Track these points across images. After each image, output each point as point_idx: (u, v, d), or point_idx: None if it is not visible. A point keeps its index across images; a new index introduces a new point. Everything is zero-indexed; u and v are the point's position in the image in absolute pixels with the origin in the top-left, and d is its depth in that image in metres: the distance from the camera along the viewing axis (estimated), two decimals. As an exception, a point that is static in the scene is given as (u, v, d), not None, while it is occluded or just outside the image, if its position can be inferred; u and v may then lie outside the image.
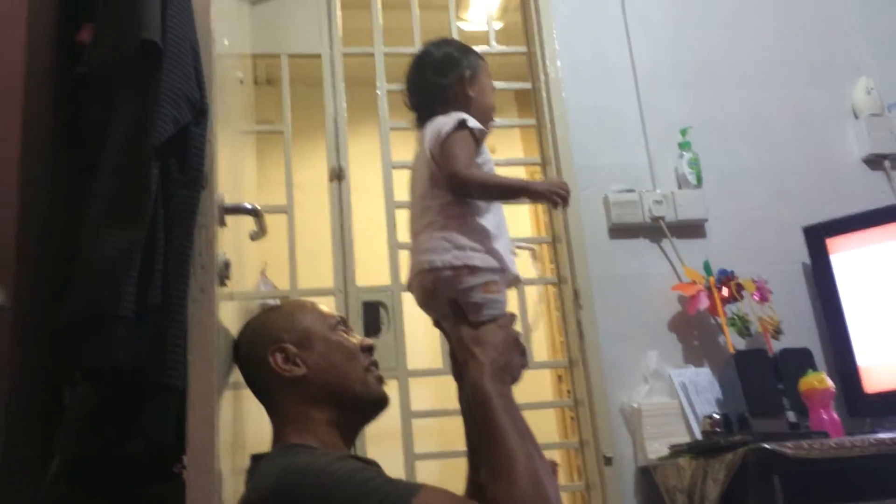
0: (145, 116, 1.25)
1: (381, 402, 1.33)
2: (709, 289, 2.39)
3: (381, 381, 1.35)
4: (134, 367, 1.23)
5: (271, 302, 2.45)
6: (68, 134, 1.50)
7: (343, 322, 1.38)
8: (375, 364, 1.36)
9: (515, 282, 1.48)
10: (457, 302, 1.38)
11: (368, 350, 1.36)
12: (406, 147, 2.82)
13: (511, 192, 1.45)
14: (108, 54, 1.31)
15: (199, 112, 1.36)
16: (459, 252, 1.39)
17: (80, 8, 1.41)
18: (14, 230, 1.35)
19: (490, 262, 1.40)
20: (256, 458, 1.28)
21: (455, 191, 1.42)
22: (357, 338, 1.37)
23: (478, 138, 1.47)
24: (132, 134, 1.26)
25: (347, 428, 1.30)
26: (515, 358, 1.35)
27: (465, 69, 1.57)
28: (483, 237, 1.41)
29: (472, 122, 1.46)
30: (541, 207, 2.98)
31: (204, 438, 1.25)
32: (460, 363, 1.37)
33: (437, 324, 1.50)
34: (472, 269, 1.38)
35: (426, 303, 1.45)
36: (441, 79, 1.57)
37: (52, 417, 1.48)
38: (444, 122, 1.47)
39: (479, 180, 1.43)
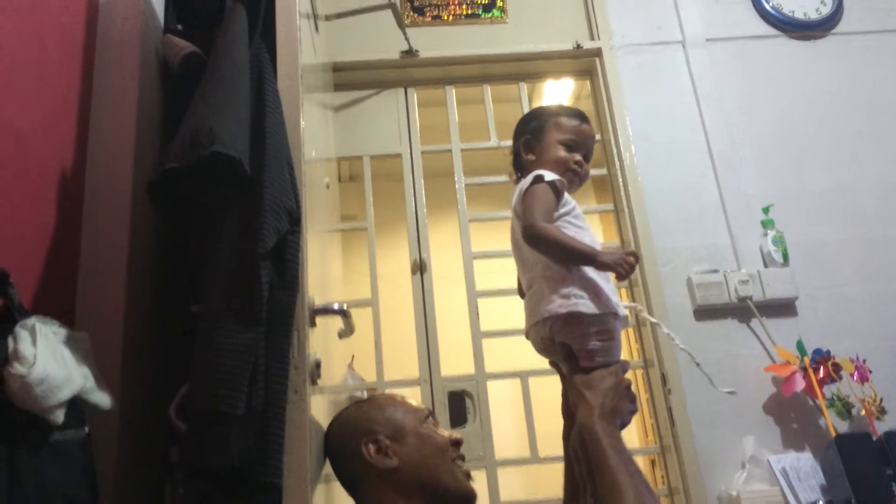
0: (255, 227, 1.35)
1: (468, 497, 1.34)
2: (804, 369, 2.31)
3: (468, 476, 1.36)
4: (239, 467, 1.29)
5: (359, 394, 2.50)
6: (168, 251, 1.63)
7: (432, 415, 1.41)
8: (462, 458, 1.38)
9: (625, 323, 1.49)
10: (570, 347, 1.41)
11: (456, 444, 1.38)
12: (485, 236, 2.89)
13: (579, 257, 1.44)
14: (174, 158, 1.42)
15: (294, 221, 1.45)
16: (566, 301, 1.42)
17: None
18: (120, 337, 1.47)
19: (598, 308, 1.41)
20: None
21: (528, 241, 1.47)
22: (446, 432, 1.39)
23: (558, 189, 1.51)
24: (242, 241, 1.35)
25: None
26: (625, 404, 1.35)
27: (525, 135, 1.65)
28: (589, 285, 1.43)
29: (550, 176, 1.51)
30: (624, 290, 2.96)
31: (299, 536, 1.28)
32: (571, 405, 1.39)
33: (553, 364, 1.53)
34: (582, 317, 1.40)
35: (543, 349, 1.50)
36: (514, 146, 1.68)
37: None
38: (525, 181, 1.54)
39: (552, 237, 1.44)
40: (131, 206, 1.59)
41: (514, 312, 3.09)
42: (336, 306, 1.56)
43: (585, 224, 1.55)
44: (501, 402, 2.61)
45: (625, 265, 1.39)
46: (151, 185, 1.47)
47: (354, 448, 1.33)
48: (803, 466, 2.22)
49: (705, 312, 2.49)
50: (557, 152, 1.62)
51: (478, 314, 2.54)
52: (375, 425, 1.35)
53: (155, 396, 1.50)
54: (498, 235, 3.52)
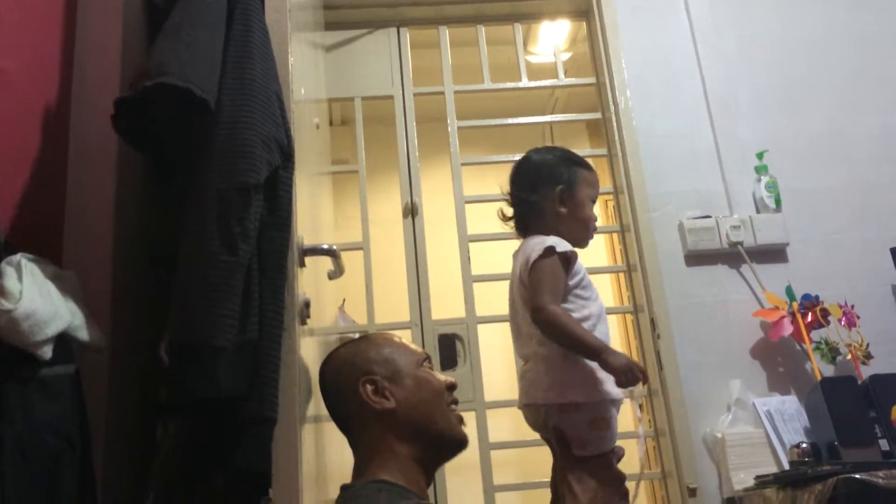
0: (239, 157, 1.33)
1: (461, 443, 1.35)
2: (792, 314, 2.33)
3: (461, 421, 1.36)
4: (232, 400, 1.30)
5: (351, 336, 2.51)
6: (158, 171, 1.60)
7: (428, 359, 1.41)
8: (456, 402, 1.38)
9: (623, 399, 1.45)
10: (563, 433, 1.37)
11: (451, 389, 1.38)
12: (477, 182, 2.87)
13: (587, 352, 1.38)
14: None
15: (286, 156, 1.43)
16: (565, 391, 1.37)
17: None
18: (109, 271, 1.46)
19: (597, 396, 1.37)
20: (345, 489, 1.30)
21: (535, 323, 1.40)
22: (442, 376, 1.39)
23: (570, 260, 1.44)
24: (227, 173, 1.33)
25: (428, 464, 1.31)
26: (615, 499, 1.34)
27: (559, 184, 1.53)
28: (587, 371, 1.38)
29: (562, 246, 1.43)
30: (615, 235, 2.96)
31: (289, 469, 1.30)
32: (559, 491, 1.37)
33: (545, 438, 1.48)
34: (579, 406, 1.36)
35: (535, 427, 1.46)
36: (533, 194, 1.54)
37: (146, 452, 1.57)
38: (534, 248, 1.45)
39: (561, 325, 1.38)
40: (117, 146, 1.56)
41: (505, 257, 3.10)
42: (325, 246, 1.56)
43: (594, 292, 1.48)
44: (491, 345, 2.63)
45: (629, 375, 1.33)
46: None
47: (351, 387, 1.33)
48: (788, 409, 2.25)
49: (696, 258, 2.49)
50: (588, 211, 1.55)
51: (469, 258, 2.54)
52: (373, 365, 1.34)
53: (145, 335, 1.50)
54: (490, 180, 3.51)
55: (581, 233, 1.53)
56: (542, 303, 1.38)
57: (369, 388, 1.31)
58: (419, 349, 1.42)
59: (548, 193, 1.53)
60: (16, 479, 1.07)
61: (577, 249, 1.51)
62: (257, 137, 1.36)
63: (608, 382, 1.38)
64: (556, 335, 1.38)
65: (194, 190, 1.39)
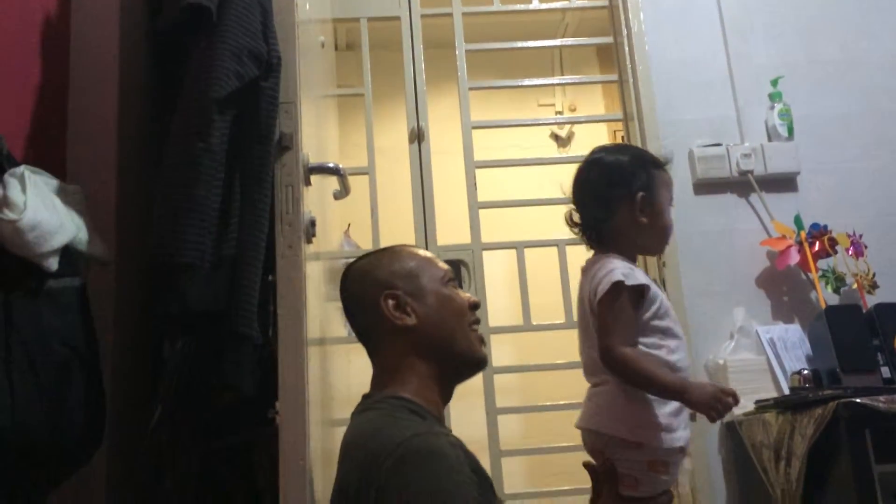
0: (208, 71, 1.31)
1: (481, 363, 1.32)
2: (800, 243, 2.32)
3: (482, 341, 1.33)
4: (213, 317, 1.31)
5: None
6: (162, 90, 1.59)
7: (454, 277, 1.36)
8: (478, 322, 1.35)
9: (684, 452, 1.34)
10: (615, 467, 1.28)
11: (474, 308, 1.34)
12: (483, 110, 2.83)
13: (664, 392, 1.27)
14: (169, 15, 1.38)
15: (267, 67, 1.40)
16: (635, 428, 1.28)
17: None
18: (114, 186, 1.45)
19: (666, 442, 1.27)
20: (366, 397, 1.29)
21: (604, 365, 1.29)
22: (465, 294, 1.35)
23: (643, 294, 1.32)
24: (196, 88, 1.32)
25: (446, 383, 1.29)
26: None
27: (637, 190, 1.38)
28: (662, 410, 1.28)
29: (632, 279, 1.30)
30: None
31: (295, 385, 1.31)
32: None
33: (589, 467, 1.37)
34: (642, 445, 1.27)
35: (590, 451, 1.37)
36: (607, 202, 1.39)
37: (154, 368, 1.59)
38: (602, 279, 1.32)
39: (633, 369, 1.26)
40: (119, 58, 1.53)
41: (511, 185, 3.08)
42: (331, 165, 1.54)
43: (672, 319, 1.36)
44: (496, 272, 2.64)
45: (718, 407, 1.22)
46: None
47: (372, 300, 1.29)
48: (791, 337, 2.26)
49: (705, 186, 2.47)
50: (668, 218, 1.41)
51: (475, 185, 2.52)
52: (396, 279, 1.30)
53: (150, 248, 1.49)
54: (498, 106, 3.47)
55: (660, 242, 1.43)
56: (610, 344, 1.27)
57: (391, 302, 1.28)
58: (445, 265, 1.36)
59: (625, 201, 1.38)
60: (24, 386, 1.08)
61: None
62: (226, 48, 1.34)
63: (681, 429, 1.30)
64: (629, 378, 1.28)
65: (178, 106, 1.38)
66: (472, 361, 1.31)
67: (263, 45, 1.40)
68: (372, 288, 1.30)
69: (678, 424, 1.29)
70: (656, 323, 1.33)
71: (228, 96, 1.32)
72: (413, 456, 1.07)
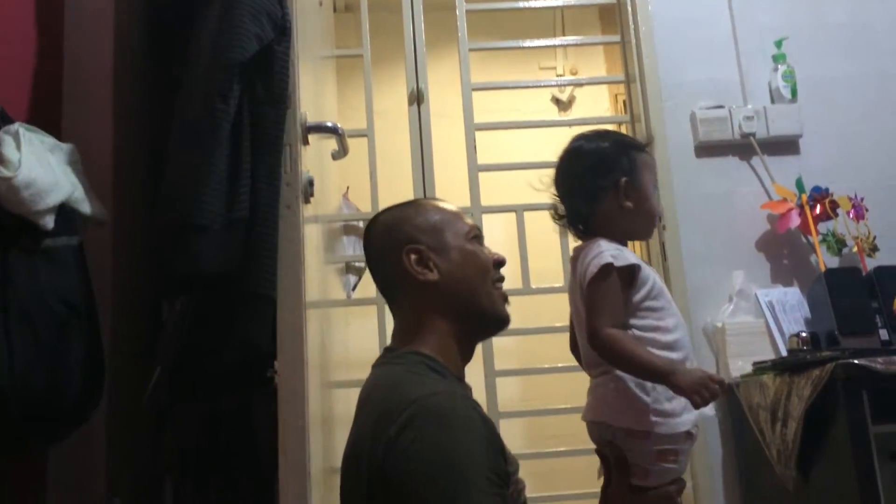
0: (226, 33, 1.29)
1: (503, 321, 1.30)
2: (801, 207, 2.31)
3: (505, 299, 1.31)
4: (226, 277, 1.31)
5: (354, 224, 2.51)
6: (158, 52, 1.57)
7: (479, 233, 1.33)
8: (502, 279, 1.32)
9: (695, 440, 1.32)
10: (625, 457, 1.26)
11: (498, 265, 1.31)
12: (485, 71, 2.80)
13: (649, 374, 1.24)
14: None
15: (280, 30, 1.39)
16: (640, 416, 1.25)
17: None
18: (110, 147, 1.44)
19: (673, 428, 1.25)
20: (388, 350, 1.27)
21: (591, 347, 1.29)
22: (489, 251, 1.32)
23: (634, 274, 1.30)
24: (216, 49, 1.30)
25: (466, 341, 1.27)
26: None
27: (621, 176, 1.36)
28: (663, 396, 1.25)
29: (622, 260, 1.29)
30: (625, 126, 2.90)
31: (294, 343, 1.32)
32: None
33: (600, 453, 1.34)
34: (649, 435, 1.25)
35: (597, 443, 1.34)
36: (591, 191, 1.37)
37: (152, 329, 1.59)
38: (590, 263, 1.30)
39: (618, 351, 1.25)
40: (114, 18, 1.51)
41: (511, 149, 3.06)
42: (329, 124, 1.53)
43: (667, 300, 1.33)
44: (496, 235, 2.62)
45: (704, 393, 1.18)
46: None
47: (395, 254, 1.25)
48: (790, 300, 2.26)
49: (706, 149, 2.45)
50: (654, 201, 1.38)
51: (475, 147, 2.50)
52: (420, 234, 1.26)
53: (150, 209, 1.49)
54: (498, 70, 3.43)
55: (646, 226, 1.41)
56: (597, 326, 1.26)
57: (413, 257, 1.24)
58: (470, 221, 1.33)
59: (609, 188, 1.36)
60: (23, 344, 1.08)
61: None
62: (245, 10, 1.32)
63: (686, 413, 1.27)
64: (615, 360, 1.26)
65: (188, 67, 1.36)
66: (494, 320, 1.28)
67: (279, 7, 1.38)
68: (395, 241, 1.27)
69: (681, 408, 1.27)
70: (650, 303, 1.31)
71: (249, 60, 1.31)
72: (426, 414, 1.06)
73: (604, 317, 1.26)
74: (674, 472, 1.27)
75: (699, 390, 1.18)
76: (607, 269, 1.28)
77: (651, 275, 1.33)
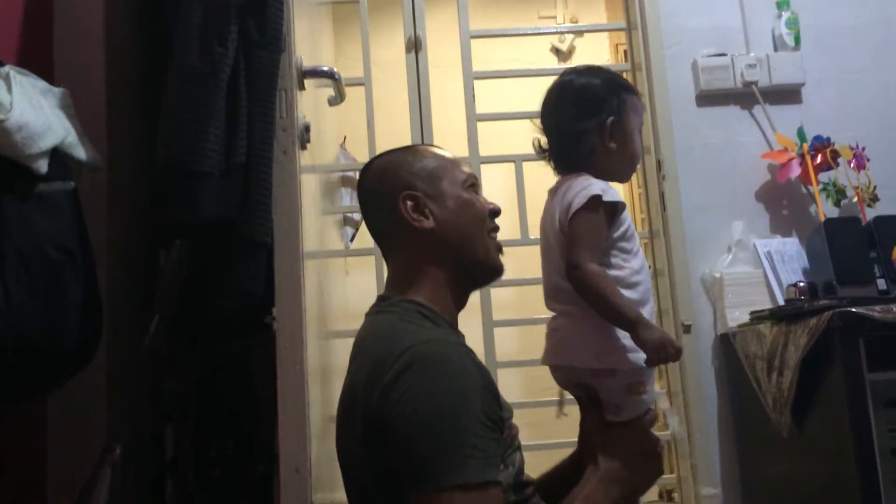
0: None
1: (497, 271, 1.29)
2: (801, 156, 2.29)
3: (500, 249, 1.31)
4: (223, 223, 1.30)
5: (351, 174, 2.49)
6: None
7: (476, 182, 1.31)
8: (497, 229, 1.32)
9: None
10: (597, 394, 1.28)
11: (494, 215, 1.31)
12: (484, 20, 2.74)
13: (619, 321, 1.24)
14: None
15: (276, -29, 1.35)
16: (602, 355, 1.26)
17: None
18: (104, 90, 1.41)
19: (636, 360, 1.24)
20: (382, 299, 1.27)
21: (568, 279, 1.26)
22: (485, 200, 1.31)
23: (617, 211, 1.30)
24: None
25: (460, 290, 1.27)
26: (649, 467, 1.27)
27: (607, 115, 1.34)
28: (626, 335, 1.24)
29: (609, 195, 1.28)
30: (625, 75, 2.86)
31: (291, 290, 1.32)
32: (586, 452, 1.29)
33: (576, 396, 1.35)
34: (614, 372, 1.26)
35: (565, 386, 1.35)
36: (578, 127, 1.35)
37: (150, 278, 1.59)
38: (577, 194, 1.28)
39: (595, 287, 1.23)
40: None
41: (510, 100, 3.02)
42: (325, 68, 1.50)
43: (636, 244, 1.33)
44: (495, 185, 2.61)
45: (661, 353, 1.20)
46: None
47: (390, 199, 1.24)
48: (788, 250, 2.26)
49: (707, 98, 2.42)
50: (637, 145, 1.37)
51: (473, 96, 2.47)
52: (416, 180, 1.25)
53: (146, 155, 1.47)
54: (497, 20, 3.38)
55: (627, 169, 1.40)
56: (579, 259, 1.24)
57: (409, 203, 1.23)
58: (468, 168, 1.32)
59: (596, 126, 1.34)
60: (19, 287, 1.08)
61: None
62: None
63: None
64: (590, 296, 1.25)
65: (183, 7, 1.33)
66: (488, 269, 1.28)
67: None
68: (391, 187, 1.25)
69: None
70: (623, 244, 1.31)
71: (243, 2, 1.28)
72: (421, 360, 1.06)
73: (587, 250, 1.25)
74: (644, 404, 1.29)
75: (658, 349, 1.20)
76: (595, 200, 1.26)
77: (627, 216, 1.33)
